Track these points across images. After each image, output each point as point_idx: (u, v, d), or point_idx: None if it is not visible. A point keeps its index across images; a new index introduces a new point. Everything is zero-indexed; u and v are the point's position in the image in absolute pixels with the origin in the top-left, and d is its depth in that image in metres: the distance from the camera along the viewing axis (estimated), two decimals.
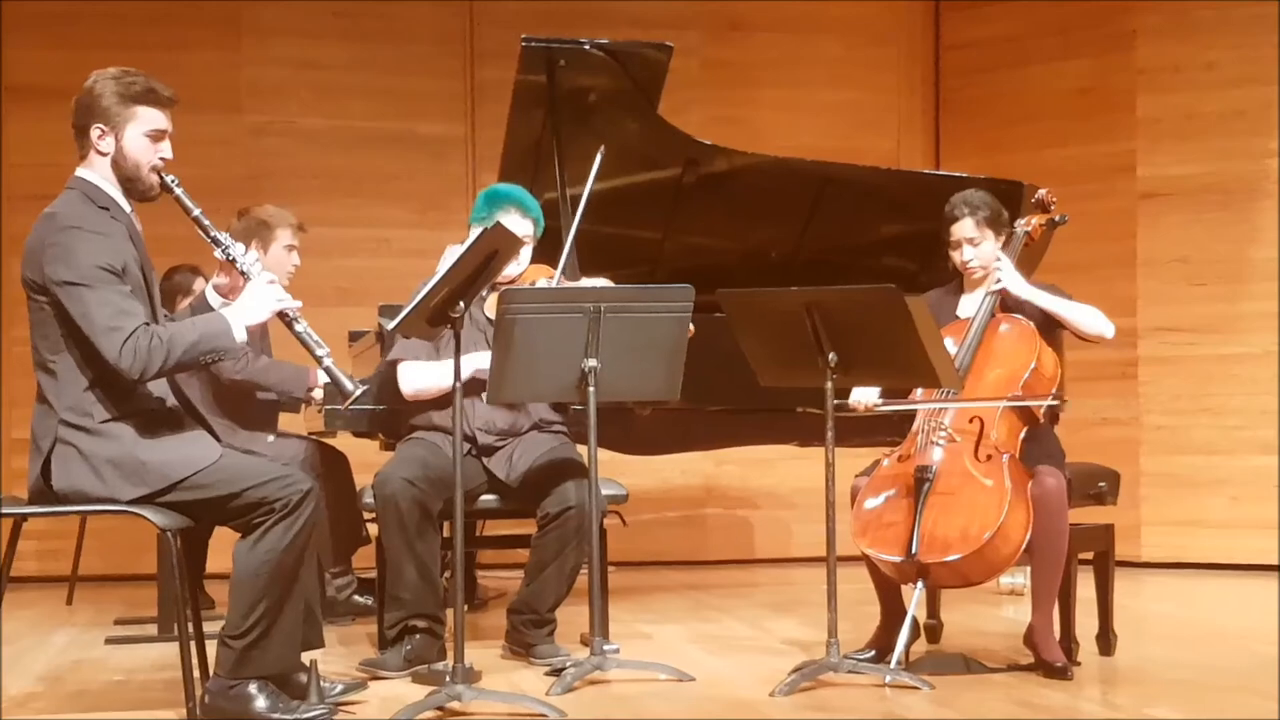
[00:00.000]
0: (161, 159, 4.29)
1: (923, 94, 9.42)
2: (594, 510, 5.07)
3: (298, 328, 4.33)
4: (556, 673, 4.92)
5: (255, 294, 4.29)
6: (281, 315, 4.31)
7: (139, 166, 4.26)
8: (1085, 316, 5.16)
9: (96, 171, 4.27)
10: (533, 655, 5.26)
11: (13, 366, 8.14)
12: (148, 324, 4.13)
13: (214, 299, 4.43)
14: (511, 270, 5.40)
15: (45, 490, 4.19)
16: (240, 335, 4.25)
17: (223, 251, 4.36)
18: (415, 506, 5.16)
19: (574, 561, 5.26)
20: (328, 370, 4.32)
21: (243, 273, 4.34)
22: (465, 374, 4.96)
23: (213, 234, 4.35)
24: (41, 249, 4.15)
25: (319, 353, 4.31)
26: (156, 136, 4.28)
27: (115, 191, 4.28)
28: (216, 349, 4.22)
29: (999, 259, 5.20)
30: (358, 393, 4.33)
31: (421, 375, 5.43)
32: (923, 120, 9.41)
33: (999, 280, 5.16)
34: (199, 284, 6.92)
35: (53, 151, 8.19)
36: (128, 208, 4.31)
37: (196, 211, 4.31)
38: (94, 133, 4.25)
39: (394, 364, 5.49)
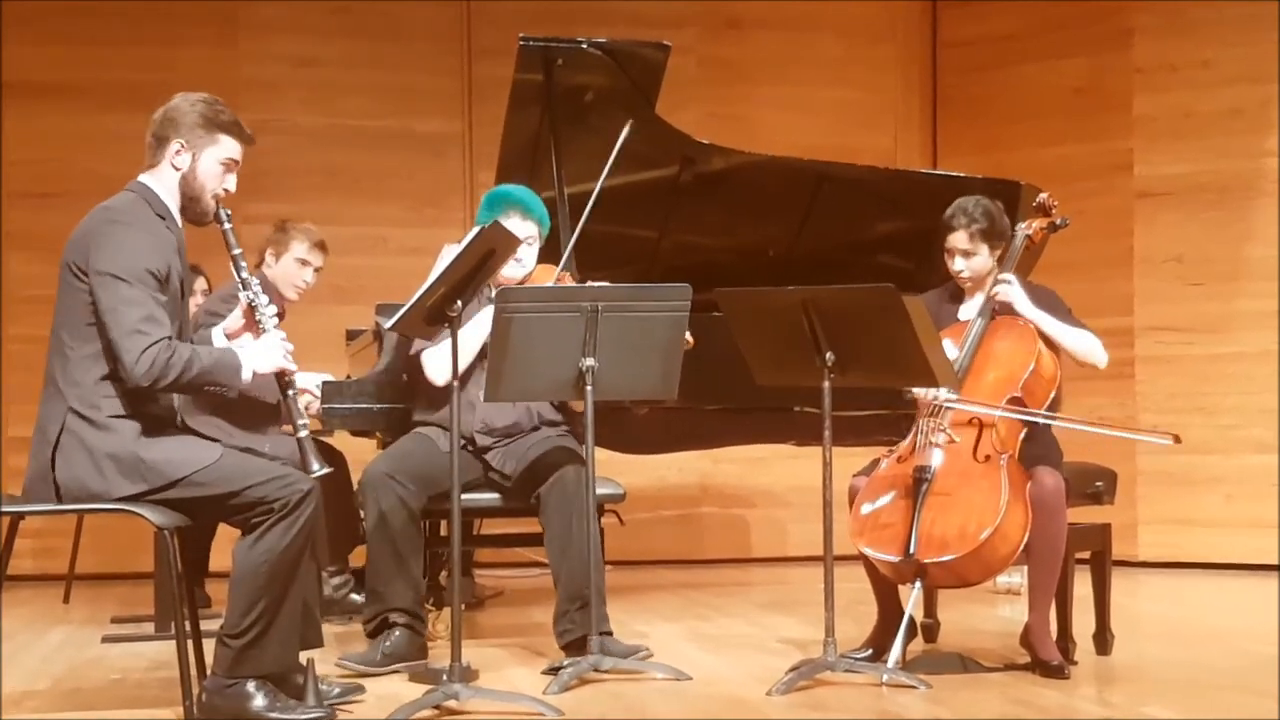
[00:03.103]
0: (225, 189, 4.40)
1: (920, 92, 9.43)
2: (590, 508, 5.06)
3: (290, 392, 4.43)
4: (553, 671, 4.93)
5: (268, 346, 4.38)
6: (282, 373, 4.40)
7: (205, 190, 4.36)
8: (1081, 344, 5.15)
9: (161, 182, 4.36)
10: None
11: (12, 364, 8.13)
12: (171, 338, 4.17)
13: (219, 340, 4.49)
14: (516, 273, 5.39)
15: (46, 477, 4.20)
16: (247, 376, 4.32)
17: (247, 296, 4.45)
18: (396, 501, 5.18)
19: (586, 529, 5.09)
20: (300, 442, 4.38)
21: (258, 322, 4.43)
22: (473, 331, 5.06)
23: (244, 275, 4.45)
24: (93, 236, 4.21)
25: (299, 422, 4.39)
26: (230, 166, 4.40)
27: (173, 204, 4.36)
28: (221, 382, 4.33)
29: (1008, 280, 5.17)
30: (321, 473, 4.35)
31: (445, 360, 5.34)
32: (920, 119, 9.41)
33: (998, 295, 5.15)
34: (200, 283, 6.93)
35: (50, 148, 8.36)
36: (180, 222, 4.39)
37: (236, 251, 4.44)
38: (174, 146, 4.34)
39: (417, 356, 5.44)
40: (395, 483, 5.19)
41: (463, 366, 5.26)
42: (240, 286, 4.46)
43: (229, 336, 4.50)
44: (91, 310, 4.18)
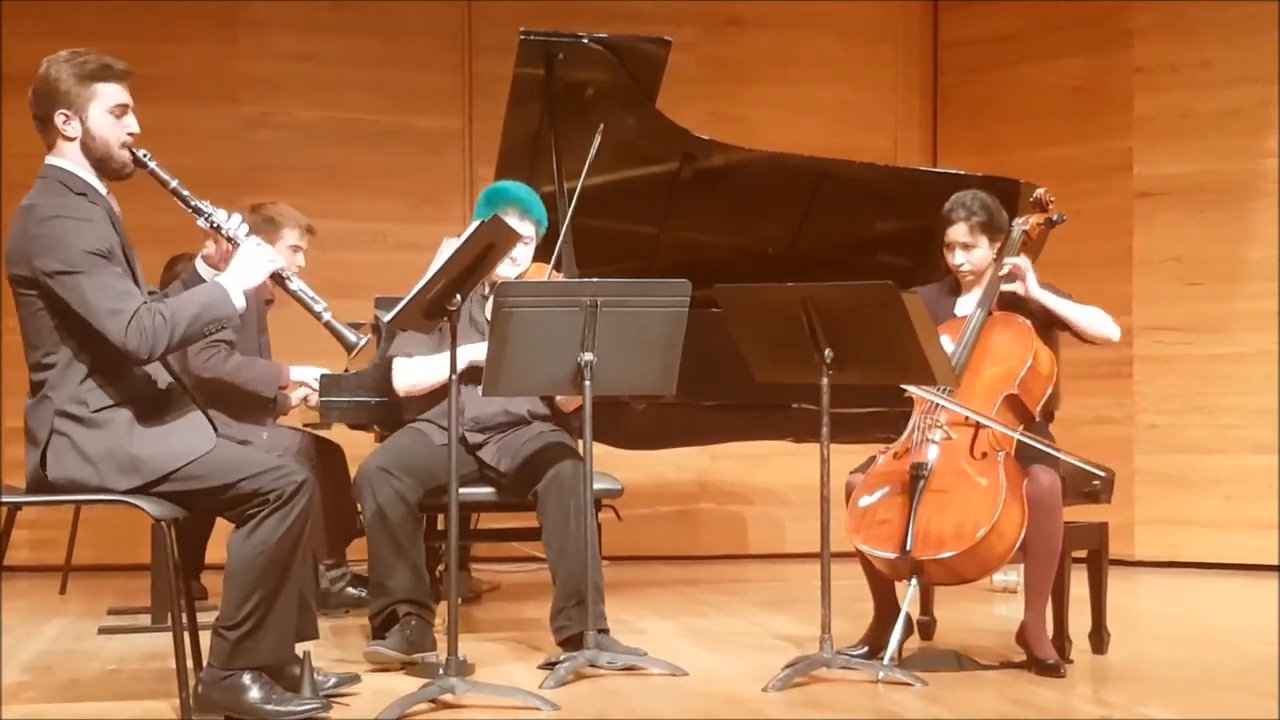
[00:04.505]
0: (130, 134, 4.24)
1: (920, 92, 9.43)
2: (588, 504, 5.06)
3: (292, 286, 4.34)
4: (550, 666, 4.93)
5: (247, 257, 4.27)
6: (275, 275, 4.31)
7: (109, 145, 4.21)
8: (1091, 319, 5.15)
9: (67, 158, 4.23)
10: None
11: (11, 356, 8.11)
12: (148, 303, 4.11)
13: (205, 271, 4.41)
14: (509, 272, 5.38)
15: (43, 481, 4.17)
16: (239, 301, 4.23)
17: (205, 220, 4.32)
18: (393, 494, 5.17)
19: (583, 524, 5.08)
20: (328, 325, 4.32)
21: (229, 239, 4.31)
22: (461, 364, 4.94)
23: (193, 204, 4.31)
24: (26, 242, 4.11)
25: (317, 308, 4.32)
26: (120, 112, 4.23)
27: (89, 175, 4.23)
28: (218, 318, 4.19)
29: (1014, 259, 5.18)
30: (361, 343, 4.32)
31: (414, 371, 5.44)
32: (920, 118, 9.41)
33: (1015, 278, 5.15)
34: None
35: None
36: (104, 190, 4.26)
37: (174, 183, 4.28)
38: (58, 119, 4.20)
39: (390, 359, 5.50)
40: (391, 476, 5.19)
41: (424, 387, 5.40)
42: (195, 215, 4.31)
43: (210, 264, 4.42)
44: (52, 314, 4.11)
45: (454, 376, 4.58)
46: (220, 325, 4.23)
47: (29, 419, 4.21)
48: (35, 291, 4.12)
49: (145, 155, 4.26)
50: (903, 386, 5.09)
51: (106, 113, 4.21)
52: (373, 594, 5.27)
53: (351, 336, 4.31)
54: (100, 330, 4.06)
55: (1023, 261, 5.19)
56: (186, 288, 4.38)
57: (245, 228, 4.35)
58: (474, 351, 5.22)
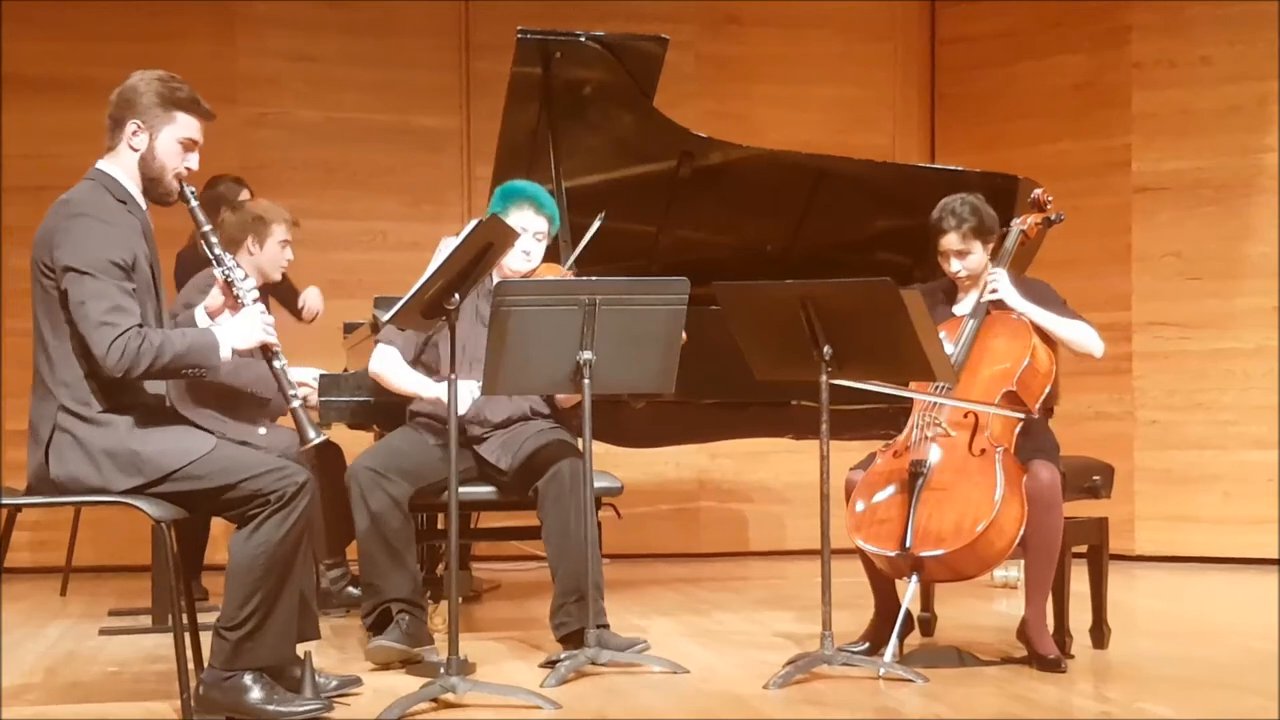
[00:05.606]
0: (187, 168, 4.32)
1: (918, 89, 9.43)
2: (588, 502, 5.06)
3: (276, 364, 4.37)
4: (551, 664, 4.93)
5: (247, 321, 4.32)
6: (265, 348, 4.35)
7: (165, 170, 4.29)
8: (1075, 334, 5.15)
9: (120, 165, 4.29)
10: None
11: (11, 357, 8.13)
12: (141, 325, 4.13)
13: (202, 319, 4.43)
14: (522, 266, 5.40)
15: (45, 478, 4.19)
16: (226, 354, 4.26)
17: (223, 272, 4.37)
18: (388, 501, 5.19)
19: (583, 522, 5.09)
20: (294, 413, 4.34)
21: (236, 297, 4.36)
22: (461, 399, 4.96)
23: (217, 252, 4.37)
24: (53, 232, 4.17)
25: (290, 392, 4.35)
26: (189, 145, 4.32)
27: (134, 188, 4.30)
28: (200, 364, 4.22)
29: (994, 273, 5.17)
30: (316, 441, 4.34)
31: (390, 368, 5.44)
32: (918, 116, 9.42)
33: (994, 291, 5.15)
34: (244, 194, 6.91)
35: (50, 142, 8.34)
36: (144, 204, 4.33)
37: (206, 228, 4.36)
38: (130, 127, 4.27)
39: (376, 342, 5.51)
40: (382, 478, 5.19)
41: (390, 384, 5.46)
42: (215, 263, 4.37)
43: (210, 315, 4.45)
44: (64, 306, 4.14)
45: (453, 375, 4.58)
46: (200, 372, 4.26)
47: (33, 416, 4.23)
48: (52, 281, 4.17)
49: (192, 192, 4.34)
50: (896, 392, 5.10)
51: (177, 141, 4.29)
52: (365, 594, 5.28)
53: (311, 432, 4.33)
54: (87, 338, 4.09)
55: (1000, 275, 5.17)
56: (179, 325, 4.41)
57: (255, 292, 4.39)
58: (465, 388, 5.20)
